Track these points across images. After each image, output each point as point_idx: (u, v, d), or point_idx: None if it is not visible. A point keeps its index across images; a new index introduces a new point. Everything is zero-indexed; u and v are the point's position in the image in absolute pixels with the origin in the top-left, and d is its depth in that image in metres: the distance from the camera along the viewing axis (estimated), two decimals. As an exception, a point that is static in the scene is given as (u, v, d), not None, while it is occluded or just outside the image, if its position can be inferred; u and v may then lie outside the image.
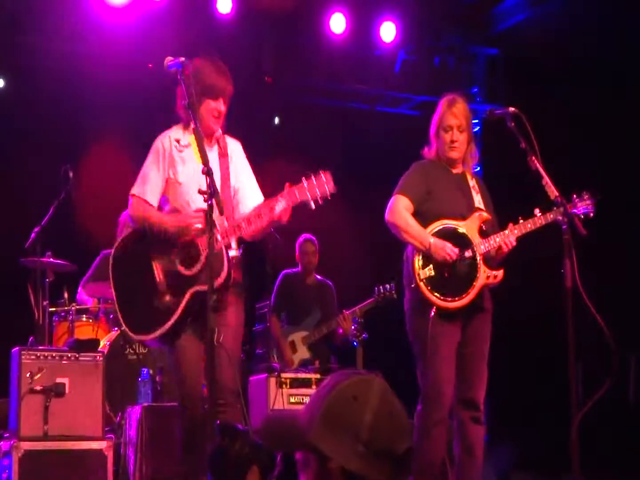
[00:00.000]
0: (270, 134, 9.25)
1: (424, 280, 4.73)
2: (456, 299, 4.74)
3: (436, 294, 4.71)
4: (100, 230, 7.87)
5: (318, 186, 4.16)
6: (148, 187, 4.53)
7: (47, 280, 6.44)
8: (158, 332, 4.35)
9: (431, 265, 4.74)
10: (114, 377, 6.16)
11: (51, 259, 6.50)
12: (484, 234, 4.88)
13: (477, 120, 10.25)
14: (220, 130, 4.65)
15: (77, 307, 6.82)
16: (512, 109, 4.61)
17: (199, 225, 4.28)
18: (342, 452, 1.68)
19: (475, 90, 9.84)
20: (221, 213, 4.02)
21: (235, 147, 4.71)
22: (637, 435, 7.13)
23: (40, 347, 5.68)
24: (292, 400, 6.19)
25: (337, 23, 8.80)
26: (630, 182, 7.84)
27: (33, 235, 6.39)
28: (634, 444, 7.04)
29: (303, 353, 7.36)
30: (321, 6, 8.80)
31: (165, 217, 4.46)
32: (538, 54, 8.57)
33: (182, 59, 4.25)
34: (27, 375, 5.30)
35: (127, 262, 4.51)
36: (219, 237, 4.24)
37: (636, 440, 7.07)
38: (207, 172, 4.01)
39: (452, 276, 4.76)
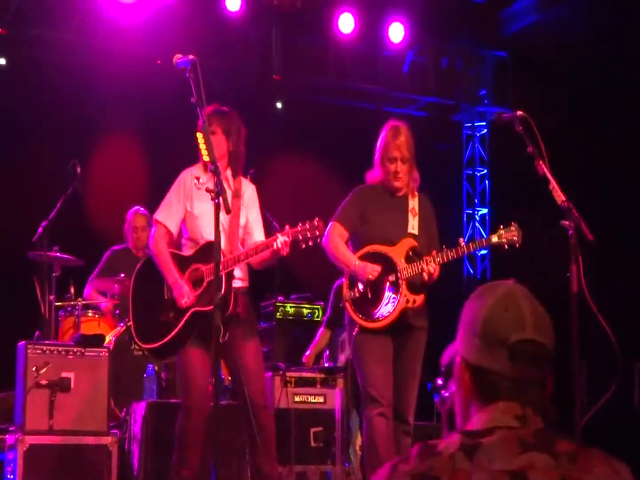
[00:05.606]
0: (278, 132, 9.24)
1: (350, 301, 5.05)
2: (376, 320, 5.01)
3: (359, 314, 5.02)
4: (108, 226, 7.89)
5: (310, 230, 4.74)
6: (169, 215, 5.03)
7: (54, 274, 6.46)
8: (158, 344, 4.87)
9: (356, 288, 5.04)
10: (119, 372, 6.17)
11: (58, 254, 6.50)
12: (409, 259, 5.06)
13: (484, 123, 10.28)
14: (230, 171, 5.02)
15: (83, 302, 6.83)
16: (520, 112, 4.58)
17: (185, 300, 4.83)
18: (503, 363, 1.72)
19: (484, 92, 9.85)
20: (228, 212, 4.16)
21: (247, 189, 5.11)
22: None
23: (46, 342, 5.68)
24: (297, 399, 6.18)
25: (346, 23, 8.81)
26: (637, 184, 7.84)
27: (40, 229, 6.40)
28: (638, 450, 7.03)
29: None
30: (330, 5, 8.82)
31: (167, 273, 4.91)
32: (547, 57, 8.58)
33: (191, 56, 4.27)
34: (33, 369, 5.31)
35: (145, 279, 5.03)
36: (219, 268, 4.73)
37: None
38: (214, 170, 4.10)
39: (375, 298, 5.03)
